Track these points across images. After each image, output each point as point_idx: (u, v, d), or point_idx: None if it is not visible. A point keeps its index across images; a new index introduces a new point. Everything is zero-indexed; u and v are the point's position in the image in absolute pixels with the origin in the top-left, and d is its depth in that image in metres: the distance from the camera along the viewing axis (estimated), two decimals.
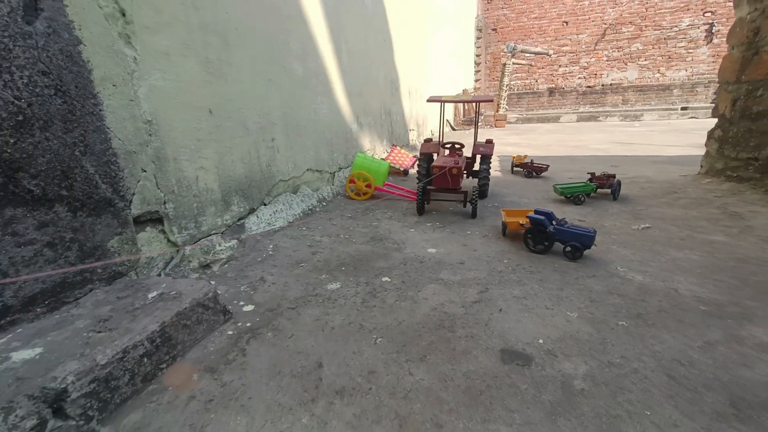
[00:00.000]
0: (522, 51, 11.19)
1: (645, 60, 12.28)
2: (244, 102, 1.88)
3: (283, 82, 2.22)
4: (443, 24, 7.52)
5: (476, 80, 13.33)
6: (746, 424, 0.80)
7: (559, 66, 13.24)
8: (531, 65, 13.10)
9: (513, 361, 1.02)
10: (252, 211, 1.96)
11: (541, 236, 1.69)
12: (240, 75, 1.83)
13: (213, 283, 1.46)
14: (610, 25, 12.45)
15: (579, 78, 13.14)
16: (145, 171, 1.35)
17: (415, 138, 5.53)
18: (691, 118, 9.59)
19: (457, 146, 2.74)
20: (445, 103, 2.73)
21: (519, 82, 13.69)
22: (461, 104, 10.69)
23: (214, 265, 1.59)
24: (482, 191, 2.56)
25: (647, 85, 12.31)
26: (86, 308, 1.07)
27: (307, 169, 2.54)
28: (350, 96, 3.19)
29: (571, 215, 2.21)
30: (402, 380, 0.96)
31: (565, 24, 12.92)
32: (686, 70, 11.88)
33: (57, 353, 0.85)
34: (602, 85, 12.86)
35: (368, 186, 2.73)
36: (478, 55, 13.36)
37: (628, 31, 12.30)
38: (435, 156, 2.60)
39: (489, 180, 2.58)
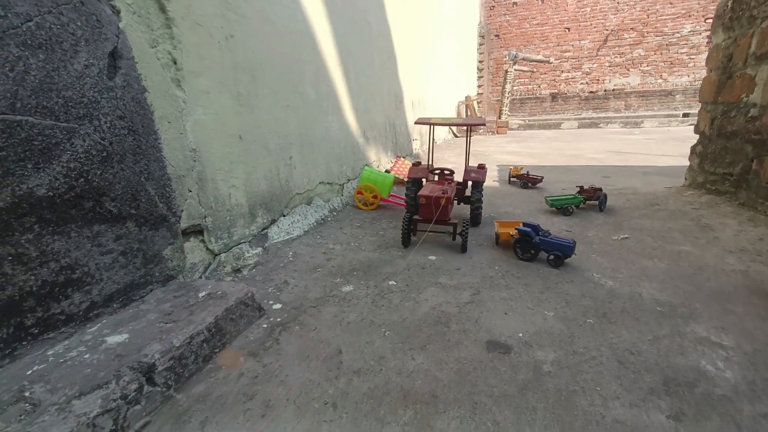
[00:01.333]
0: (523, 59, 11.43)
1: (647, 66, 12.46)
2: (267, 127, 2.14)
3: (299, 106, 2.48)
4: (446, 32, 7.77)
5: (479, 86, 13.58)
6: (671, 396, 1.04)
7: (562, 72, 13.46)
8: (533, 71, 13.33)
9: (496, 350, 1.26)
10: (273, 221, 2.22)
11: (527, 246, 1.93)
12: (263, 104, 2.10)
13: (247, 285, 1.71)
14: (612, 31, 12.66)
15: (581, 83, 13.35)
16: (190, 191, 1.61)
17: (418, 147, 5.78)
18: (691, 125, 9.76)
19: (446, 172, 2.52)
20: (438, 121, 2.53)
21: (522, 87, 13.92)
22: (465, 108, 10.95)
23: (244, 270, 1.85)
24: (475, 219, 2.43)
25: (649, 91, 12.49)
26: (151, 305, 1.33)
27: (320, 182, 2.80)
28: (357, 113, 3.45)
29: (560, 225, 2.45)
30: (406, 364, 1.20)
31: (567, 30, 13.14)
32: (688, 76, 12.06)
33: (141, 338, 1.11)
34: (605, 91, 13.06)
35: (374, 197, 2.98)
36: (481, 62, 13.61)
37: (630, 37, 12.50)
38: (424, 181, 2.49)
39: (482, 208, 2.46)
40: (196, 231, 1.67)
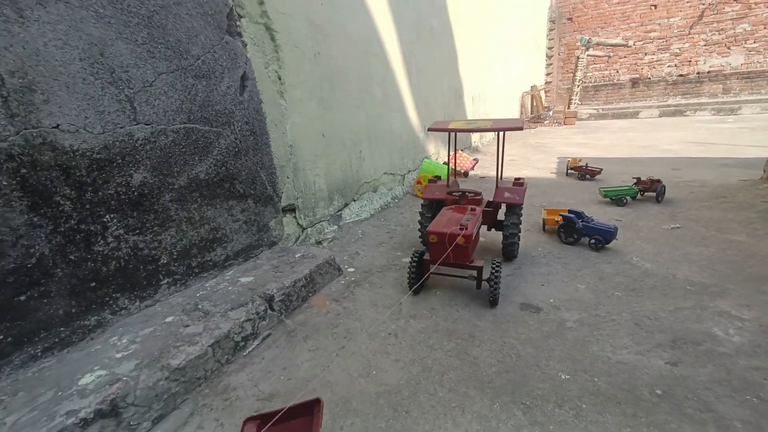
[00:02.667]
0: (598, 44, 10.71)
1: (753, 42, 10.91)
2: (343, 125, 2.57)
3: (367, 105, 2.88)
4: (511, 19, 7.64)
5: (547, 74, 12.99)
6: (675, 350, 1.24)
7: (645, 54, 12.30)
8: (610, 56, 12.36)
9: (527, 309, 1.54)
10: (346, 205, 2.66)
11: (570, 230, 2.12)
12: (340, 106, 2.52)
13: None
14: (710, 4, 11.26)
15: (669, 66, 12.08)
16: (288, 178, 2.09)
17: (477, 140, 5.92)
18: None
19: (470, 195, 1.97)
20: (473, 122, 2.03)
21: (597, 73, 12.98)
22: (530, 99, 10.62)
23: (324, 242, 2.30)
24: (509, 252, 1.92)
25: (756, 71, 10.93)
26: (263, 260, 1.81)
27: (384, 173, 3.19)
28: (418, 108, 3.77)
29: (611, 215, 2.55)
30: (451, 314, 1.53)
31: (653, 8, 11.96)
32: None
33: (262, 280, 1.58)
34: (697, 73, 11.70)
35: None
36: (550, 48, 12.98)
37: (732, 11, 11.03)
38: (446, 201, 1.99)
39: (519, 236, 1.91)
40: (291, 209, 2.15)
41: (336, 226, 2.49)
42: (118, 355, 1.13)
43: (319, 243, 2.28)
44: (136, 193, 1.37)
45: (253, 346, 1.37)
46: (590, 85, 12.87)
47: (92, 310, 1.27)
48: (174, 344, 1.19)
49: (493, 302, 1.55)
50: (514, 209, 1.88)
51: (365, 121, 2.85)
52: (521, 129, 1.79)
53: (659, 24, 12.03)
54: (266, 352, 1.35)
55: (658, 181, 2.77)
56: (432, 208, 2.05)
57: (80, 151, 1.21)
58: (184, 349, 1.17)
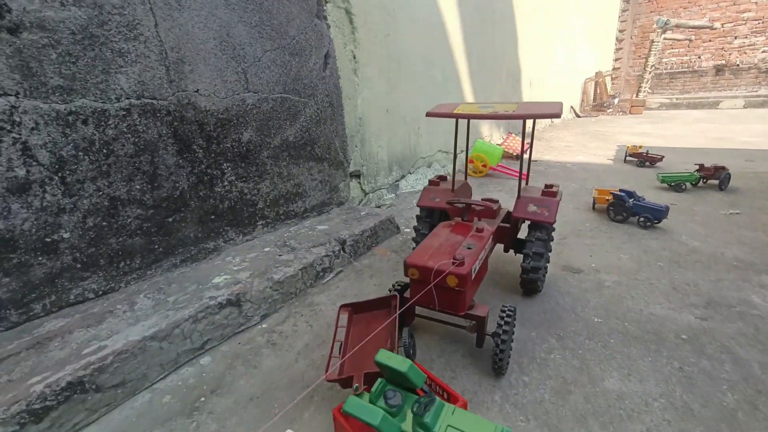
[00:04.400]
0: (677, 26, 9.81)
1: None
2: (405, 103, 2.79)
3: (428, 86, 3.06)
4: (578, 1, 7.30)
5: (616, 59, 12.13)
6: (707, 309, 1.35)
7: (735, 37, 11.05)
8: (691, 39, 11.25)
9: (569, 270, 1.69)
10: (403, 177, 2.90)
11: (620, 208, 2.19)
12: (404, 85, 2.74)
13: None
14: None
15: (764, 51, 10.78)
16: (356, 147, 2.37)
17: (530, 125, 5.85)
18: None
19: (478, 207, 1.37)
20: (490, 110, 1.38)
21: (674, 59, 11.89)
22: (594, 86, 10.05)
23: (383, 207, 2.57)
24: (530, 286, 1.44)
25: None
26: (334, 215, 2.12)
27: (438, 150, 3.38)
28: (475, 92, 3.88)
29: (667, 199, 2.55)
30: (499, 269, 1.73)
31: None
32: None
33: (335, 228, 1.88)
34: None
35: (484, 166, 3.43)
36: (621, 31, 12.08)
37: None
38: (448, 210, 1.52)
39: (545, 264, 1.43)
40: (356, 175, 2.44)
41: (393, 195, 2.75)
42: (236, 268, 1.48)
43: (378, 207, 2.56)
44: (244, 149, 1.71)
45: (330, 278, 1.67)
46: (665, 71, 11.82)
47: (211, 237, 1.64)
48: (274, 265, 1.52)
49: (497, 370, 1.05)
50: (540, 229, 1.37)
51: (425, 100, 3.04)
52: (558, 116, 1.20)
53: (756, 3, 10.72)
54: (340, 283, 1.65)
55: (723, 168, 2.70)
56: (433, 219, 1.60)
57: (210, 111, 1.55)
58: (281, 269, 1.49)
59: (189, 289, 1.33)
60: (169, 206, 1.47)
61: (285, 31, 1.79)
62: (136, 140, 1.34)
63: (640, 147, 3.71)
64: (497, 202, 1.60)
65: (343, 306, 1.15)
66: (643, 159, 3.56)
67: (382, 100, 2.52)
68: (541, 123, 6.27)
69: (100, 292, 1.31)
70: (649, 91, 10.25)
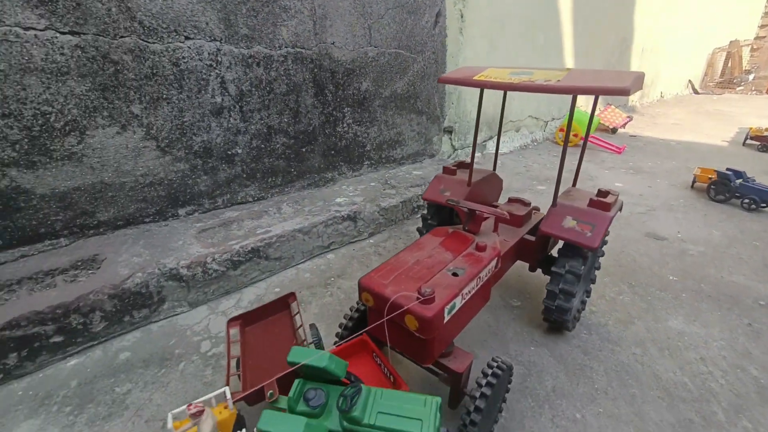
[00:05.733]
0: None
1: None
2: (503, 64, 2.83)
3: (528, 49, 3.04)
4: None
5: (761, 26, 10.08)
6: None
7: None
8: None
9: (652, 237, 1.76)
10: (491, 138, 3.01)
11: (723, 188, 2.11)
12: (504, 46, 2.78)
13: None
14: None
15: None
16: (452, 104, 2.53)
17: (636, 100, 5.35)
18: None
19: (485, 215, 0.99)
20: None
21: None
22: (725, 58, 8.56)
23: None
24: (554, 320, 1.11)
25: None
26: (426, 164, 2.36)
27: (528, 116, 3.38)
28: (577, 57, 3.70)
29: None
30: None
31: None
32: None
33: (429, 174, 2.13)
34: None
35: (575, 135, 3.36)
36: None
37: None
38: (459, 206, 1.06)
39: (576, 306, 1.12)
40: (449, 131, 2.63)
41: (480, 153, 2.89)
42: (351, 194, 1.82)
43: None
44: (362, 96, 1.99)
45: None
46: None
47: (329, 169, 1.99)
48: (380, 196, 1.83)
49: None
50: (577, 253, 1.05)
51: (523, 63, 3.04)
52: (625, 93, 0.84)
53: None
54: None
55: None
56: (441, 219, 1.37)
57: (341, 61, 1.84)
58: (386, 200, 1.80)
59: (318, 204, 1.70)
60: (304, 138, 1.83)
61: None
62: (288, 82, 1.68)
63: (766, 129, 3.29)
64: (529, 204, 1.30)
65: (231, 320, 0.96)
66: (767, 143, 3.18)
67: (481, 59, 2.62)
68: (648, 97, 5.68)
69: (256, 198, 1.73)
70: None
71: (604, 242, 1.17)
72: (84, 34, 1.17)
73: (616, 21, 4.17)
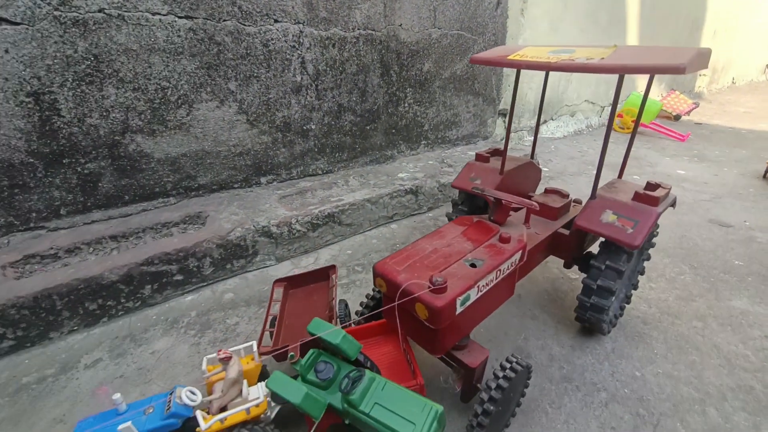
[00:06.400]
0: None
1: None
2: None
3: (590, 29, 2.95)
4: None
5: None
6: None
7: None
8: None
9: (716, 223, 1.73)
10: (545, 122, 2.99)
11: None
12: (564, 27, 2.72)
13: None
14: None
15: None
16: (509, 87, 2.55)
17: (704, 86, 4.99)
18: None
19: (513, 205, 0.95)
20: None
21: None
22: None
23: (520, 146, 2.76)
24: (589, 322, 1.05)
25: None
26: (480, 146, 2.41)
27: (585, 100, 3.29)
28: (641, 39, 3.52)
29: None
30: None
31: None
32: None
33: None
34: None
35: (634, 121, 3.23)
36: None
37: None
38: (494, 197, 0.98)
39: (616, 305, 1.10)
40: (504, 114, 2.65)
41: (530, 138, 2.89)
42: (412, 170, 1.93)
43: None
44: (423, 77, 2.07)
45: None
46: None
47: (389, 147, 2.10)
48: (438, 173, 1.92)
49: None
50: (617, 251, 0.97)
51: (585, 43, 2.96)
52: (680, 72, 0.75)
53: None
54: None
55: None
56: (472, 208, 1.33)
57: (406, 43, 1.92)
58: (444, 177, 1.89)
59: (382, 178, 1.82)
60: (369, 117, 1.94)
61: None
62: (358, 62, 1.80)
63: None
64: (567, 196, 1.21)
65: (277, 281, 1.07)
66: None
67: (541, 41, 2.59)
68: (717, 83, 5.26)
69: (325, 171, 1.89)
70: None
71: (652, 241, 1.08)
72: (196, 18, 1.34)
73: (687, 2, 3.89)
